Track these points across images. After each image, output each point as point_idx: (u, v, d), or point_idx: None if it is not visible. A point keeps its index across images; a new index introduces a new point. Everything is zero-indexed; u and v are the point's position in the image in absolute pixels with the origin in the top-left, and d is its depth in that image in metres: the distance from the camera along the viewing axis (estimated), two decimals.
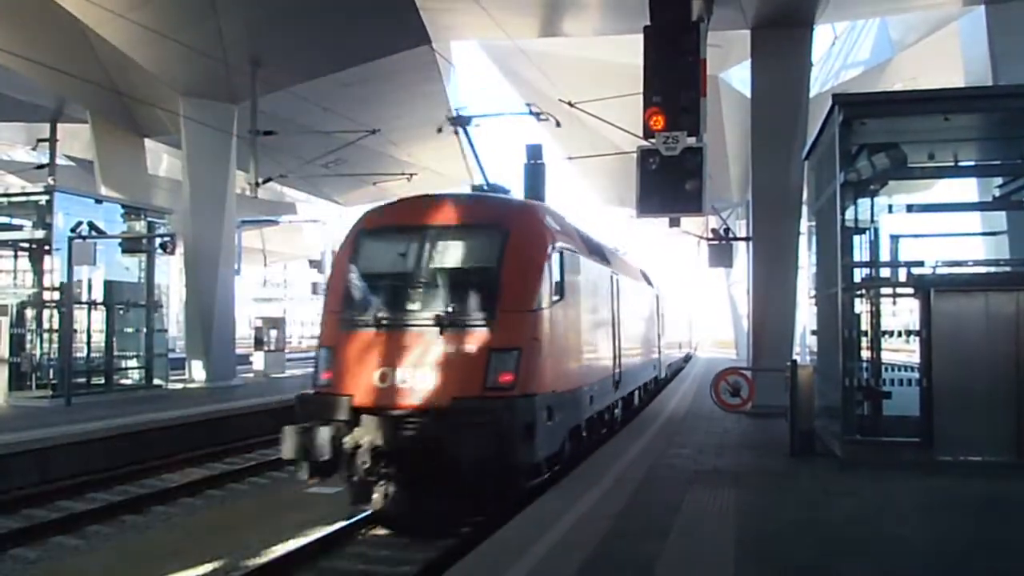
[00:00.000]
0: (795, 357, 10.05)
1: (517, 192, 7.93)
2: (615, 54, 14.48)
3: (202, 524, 6.37)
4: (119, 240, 12.96)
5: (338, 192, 24.14)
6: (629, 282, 10.18)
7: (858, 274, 7.17)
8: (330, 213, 24.90)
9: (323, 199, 25.78)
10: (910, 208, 8.17)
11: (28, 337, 12.03)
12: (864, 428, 6.85)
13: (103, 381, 12.64)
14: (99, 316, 12.68)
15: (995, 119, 7.06)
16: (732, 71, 17.27)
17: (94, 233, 11.91)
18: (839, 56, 18.90)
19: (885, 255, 7.94)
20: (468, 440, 5.04)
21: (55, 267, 11.85)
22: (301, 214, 27.76)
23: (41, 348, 12.01)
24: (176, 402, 11.38)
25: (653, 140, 5.93)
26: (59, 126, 17.37)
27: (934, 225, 8.58)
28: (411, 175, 18.72)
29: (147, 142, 17.69)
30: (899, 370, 7.46)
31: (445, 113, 18.67)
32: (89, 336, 12.47)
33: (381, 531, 5.85)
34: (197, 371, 14.37)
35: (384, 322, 5.58)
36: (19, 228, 12.51)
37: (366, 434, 5.30)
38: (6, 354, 11.52)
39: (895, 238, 8.02)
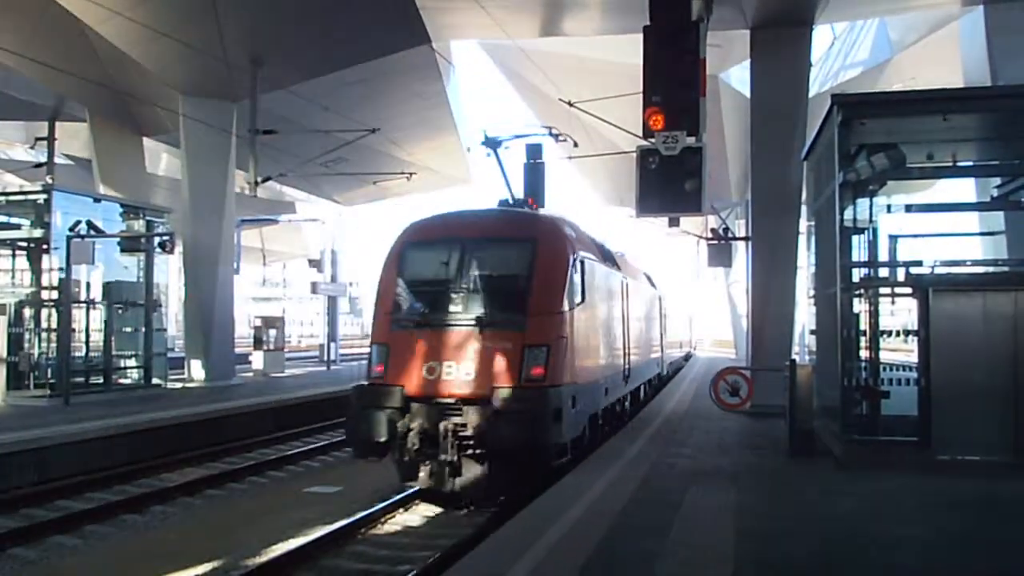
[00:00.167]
0: (794, 357, 10.08)
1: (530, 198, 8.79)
2: (615, 54, 14.49)
3: (201, 524, 6.37)
4: (118, 239, 12.93)
5: (338, 191, 24.11)
6: (636, 285, 11.05)
7: (857, 274, 7.18)
8: (330, 212, 24.87)
9: (323, 198, 25.75)
10: (909, 208, 8.18)
11: (26, 336, 12.01)
12: (863, 428, 6.86)
13: (102, 380, 12.61)
14: (97, 315, 12.66)
15: (994, 119, 7.08)
16: (732, 71, 17.28)
17: (92, 232, 11.88)
18: (838, 56, 18.92)
19: (884, 255, 7.95)
20: (506, 425, 5.91)
21: (53, 266, 11.82)
22: (300, 213, 27.73)
23: (39, 347, 11.98)
24: (175, 401, 11.37)
25: (653, 140, 5.94)
26: (57, 125, 17.33)
27: (932, 225, 8.60)
28: (411, 174, 18.72)
29: (146, 141, 17.66)
30: (898, 369, 7.48)
31: (447, 115, 18.72)
32: (88, 335, 12.45)
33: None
34: (196, 370, 14.35)
35: (430, 323, 6.46)
36: (17, 227, 12.46)
37: (416, 420, 6.15)
38: (4, 353, 11.49)
39: (894, 238, 8.04)
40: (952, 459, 6.14)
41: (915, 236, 8.13)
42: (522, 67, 18.39)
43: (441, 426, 6.04)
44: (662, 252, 33.20)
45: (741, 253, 19.70)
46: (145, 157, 18.09)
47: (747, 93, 12.42)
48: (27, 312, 12.08)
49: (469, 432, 6.00)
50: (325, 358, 21.60)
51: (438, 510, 6.85)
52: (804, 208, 10.73)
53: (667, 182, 5.98)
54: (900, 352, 10.16)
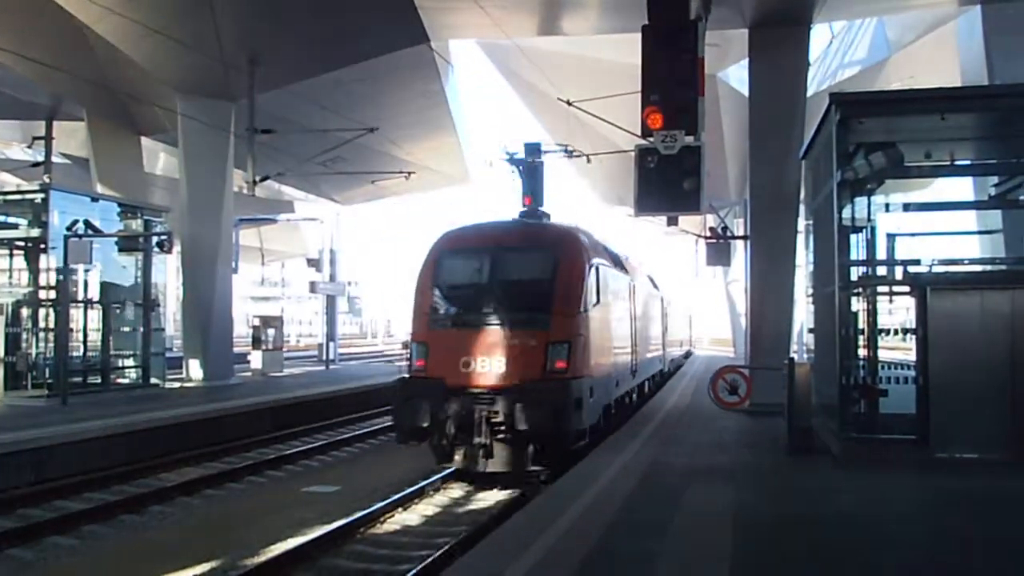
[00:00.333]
0: (792, 355, 10.09)
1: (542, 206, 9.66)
2: (613, 53, 14.48)
3: (200, 523, 6.36)
4: (115, 239, 12.90)
5: (336, 190, 24.10)
6: (641, 287, 11.92)
7: (855, 272, 7.19)
8: (328, 211, 24.84)
9: (321, 197, 25.72)
10: (906, 207, 8.20)
11: (24, 336, 11.97)
12: (861, 426, 6.88)
13: (99, 380, 12.58)
14: (95, 315, 12.62)
15: (991, 118, 7.09)
16: (730, 70, 17.29)
17: (90, 232, 11.85)
18: (836, 55, 18.94)
19: (882, 253, 7.96)
20: (533, 412, 6.70)
21: (51, 266, 11.78)
22: (299, 212, 27.69)
23: (37, 347, 11.95)
24: (173, 401, 11.35)
25: (651, 139, 5.94)
26: (55, 124, 17.27)
27: (930, 224, 8.62)
28: (409, 173, 18.72)
29: (144, 140, 17.61)
30: (896, 368, 7.50)
31: (446, 114, 18.67)
32: (85, 335, 12.41)
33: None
34: (194, 370, 14.32)
35: (465, 322, 7.30)
36: (15, 226, 12.42)
37: (453, 408, 6.92)
38: (2, 353, 11.46)
39: (891, 236, 8.05)
40: (950, 457, 6.15)
41: (913, 235, 8.14)
42: (520, 66, 18.38)
43: (475, 414, 6.84)
44: (661, 251, 33.27)
45: (740, 252, 19.71)
46: (143, 156, 18.05)
47: (745, 92, 12.43)
48: (24, 312, 12.04)
49: (500, 418, 6.80)
50: (324, 358, 21.57)
51: (437, 509, 6.86)
52: (802, 207, 10.75)
53: (666, 181, 5.99)
54: (898, 351, 10.20)
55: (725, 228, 15.11)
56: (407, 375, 7.60)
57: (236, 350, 16.98)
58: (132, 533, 6.13)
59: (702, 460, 6.89)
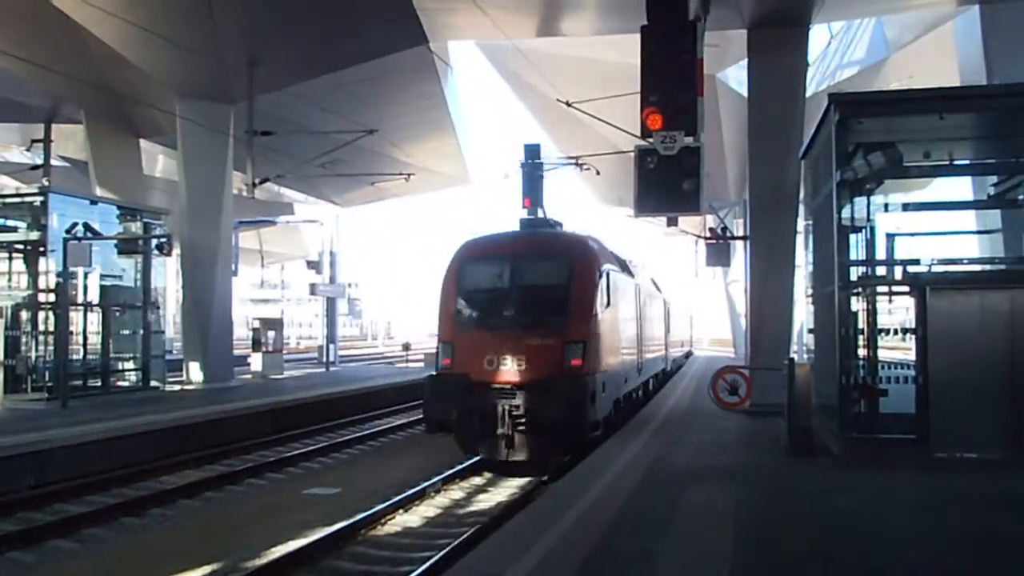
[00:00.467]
0: (792, 355, 10.09)
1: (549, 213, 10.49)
2: (613, 53, 14.50)
3: (200, 526, 6.35)
4: (115, 241, 12.89)
5: (336, 192, 24.08)
6: (646, 290, 12.79)
7: (854, 272, 7.19)
8: (328, 213, 24.84)
9: (321, 199, 25.71)
10: (906, 207, 8.21)
11: (23, 339, 11.95)
12: (861, 425, 6.88)
13: (99, 383, 12.57)
14: (95, 318, 12.61)
15: (990, 118, 7.10)
16: (729, 71, 17.31)
17: (89, 234, 11.84)
18: (835, 56, 18.97)
19: (881, 253, 7.96)
20: (552, 405, 7.37)
21: (50, 269, 11.77)
22: (299, 214, 27.69)
23: (36, 350, 11.94)
24: (173, 404, 11.34)
25: (651, 139, 5.95)
26: (54, 127, 17.26)
27: (930, 223, 8.64)
28: (409, 175, 18.72)
29: (143, 143, 17.61)
30: (895, 368, 7.50)
31: (445, 115, 18.70)
32: (85, 338, 12.39)
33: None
34: (194, 372, 14.31)
35: (488, 324, 8.01)
36: (14, 229, 12.41)
37: (477, 402, 7.60)
38: (1, 357, 11.44)
39: (891, 236, 8.05)
40: (950, 456, 6.16)
41: (912, 235, 8.15)
42: (520, 67, 18.39)
43: (498, 407, 7.48)
44: (660, 251, 33.31)
45: (739, 252, 19.72)
46: (142, 159, 18.05)
47: (745, 93, 12.45)
48: (24, 315, 12.03)
49: (521, 411, 7.46)
50: (324, 360, 21.56)
51: (438, 511, 6.86)
52: (802, 207, 10.76)
53: (665, 182, 6.00)
54: (898, 350, 10.20)
55: (725, 228, 15.13)
56: (435, 372, 8.33)
57: (236, 352, 16.97)
58: (132, 536, 6.13)
59: (703, 460, 6.89)
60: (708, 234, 15.59)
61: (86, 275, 12.20)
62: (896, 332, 8.20)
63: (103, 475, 7.93)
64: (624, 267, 10.53)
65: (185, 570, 5.07)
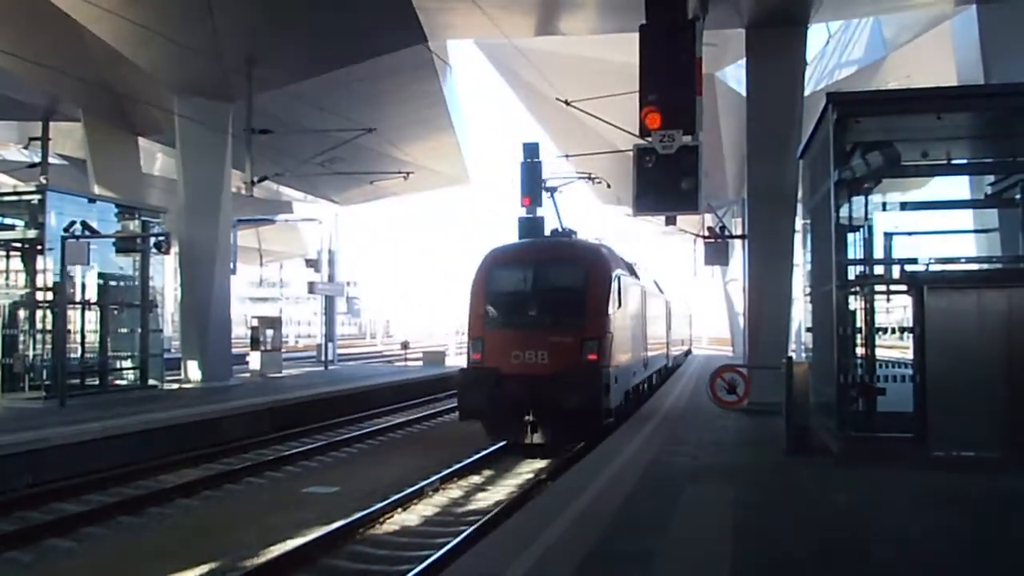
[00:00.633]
0: (790, 354, 10.11)
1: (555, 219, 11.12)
2: (611, 52, 14.50)
3: (199, 525, 6.35)
4: (113, 240, 12.85)
5: (335, 191, 24.06)
6: (650, 291, 13.70)
7: (852, 271, 7.19)
8: (327, 212, 24.80)
9: (320, 198, 25.68)
10: (903, 206, 8.22)
11: (21, 338, 11.92)
12: (859, 424, 6.89)
13: (97, 382, 12.54)
14: (93, 316, 12.58)
15: (987, 117, 7.11)
16: (728, 70, 17.31)
17: (87, 233, 11.81)
18: (833, 55, 18.98)
19: (879, 252, 7.97)
20: (572, 394, 8.28)
21: (48, 267, 11.74)
22: (297, 213, 27.65)
23: (34, 349, 11.90)
24: (171, 403, 11.33)
25: (649, 138, 5.95)
26: (52, 124, 17.20)
27: (927, 223, 8.64)
28: (407, 174, 18.71)
29: (141, 141, 17.57)
30: (893, 366, 7.52)
31: (444, 114, 18.70)
32: (83, 337, 12.36)
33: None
34: (193, 371, 14.29)
35: (514, 323, 8.95)
36: (11, 228, 12.37)
37: (505, 391, 8.50)
38: None
39: (889, 235, 8.06)
40: (947, 455, 6.17)
41: (910, 233, 8.17)
42: (518, 66, 18.38)
43: (524, 396, 8.37)
44: (658, 250, 33.33)
45: (738, 251, 19.74)
46: (140, 157, 18.00)
47: (743, 92, 12.46)
48: (22, 313, 11.99)
49: (544, 400, 8.32)
50: (322, 358, 21.55)
51: (436, 510, 6.87)
52: (800, 206, 10.77)
53: (664, 181, 6.01)
54: (896, 349, 10.22)
55: (723, 227, 15.16)
56: (466, 366, 9.26)
57: (235, 351, 16.94)
58: (130, 535, 6.12)
59: (701, 459, 6.91)
60: (707, 233, 15.61)
61: (84, 273, 12.18)
62: (894, 331, 8.22)
63: (101, 474, 7.92)
64: (631, 270, 11.43)
65: (183, 569, 5.07)
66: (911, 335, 6.68)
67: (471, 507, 6.93)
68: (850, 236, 7.28)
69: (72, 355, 11.99)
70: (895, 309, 8.77)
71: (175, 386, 13.79)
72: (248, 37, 12.64)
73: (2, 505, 6.74)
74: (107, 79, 14.21)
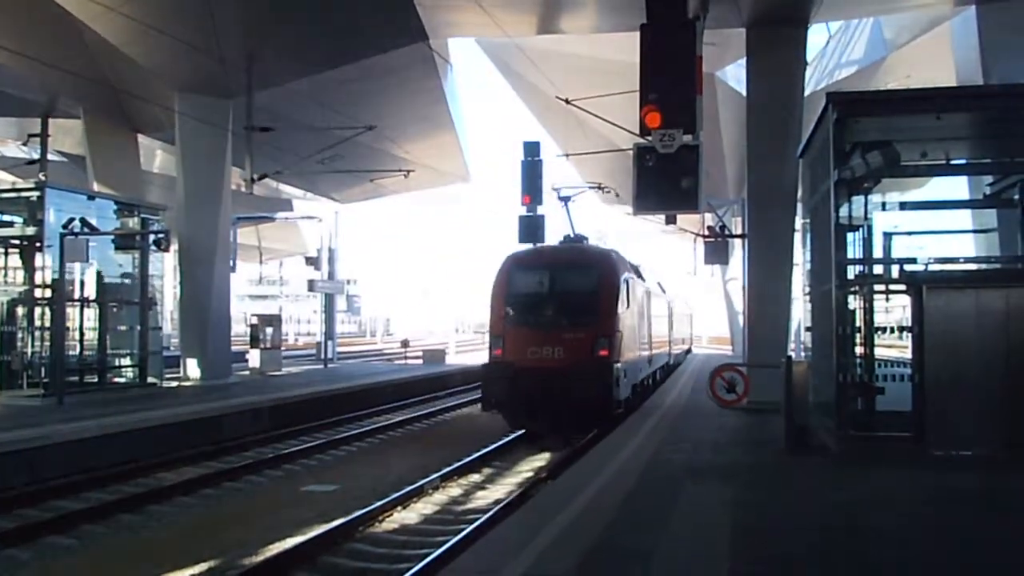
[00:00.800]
0: (790, 353, 10.13)
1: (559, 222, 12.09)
2: (612, 51, 14.49)
3: (198, 523, 6.35)
4: (112, 237, 12.84)
5: (335, 189, 24.04)
6: (654, 292, 14.54)
7: (851, 271, 7.21)
8: (327, 210, 24.78)
9: (320, 196, 25.66)
10: (903, 206, 8.24)
11: (19, 335, 11.91)
12: (858, 423, 6.91)
13: (96, 379, 12.52)
14: (92, 314, 12.56)
15: (986, 118, 7.12)
16: (728, 69, 17.32)
17: (86, 230, 11.79)
18: (833, 55, 19.00)
19: (878, 252, 7.99)
20: (586, 386, 9.02)
21: (47, 264, 11.72)
22: (297, 211, 27.62)
23: (32, 346, 11.89)
24: (170, 400, 11.32)
25: (649, 138, 5.95)
26: (51, 121, 17.16)
27: (926, 222, 8.67)
28: (408, 172, 18.70)
29: (141, 138, 17.54)
30: (892, 365, 7.53)
31: (445, 112, 18.66)
32: (82, 334, 12.33)
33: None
34: (192, 369, 14.28)
35: (532, 321, 9.71)
36: (10, 224, 12.34)
37: (523, 384, 9.17)
38: None
39: (888, 235, 8.08)
40: (946, 454, 6.19)
41: (909, 233, 8.19)
42: (519, 65, 18.38)
43: (541, 388, 9.00)
44: (658, 249, 33.36)
45: (738, 250, 19.75)
46: (140, 154, 17.97)
47: (743, 91, 12.46)
48: (20, 311, 11.98)
49: (559, 392, 8.92)
50: (322, 356, 21.55)
51: (435, 508, 6.88)
52: (800, 205, 10.79)
53: (664, 180, 6.02)
54: (895, 348, 10.25)
55: (723, 227, 15.19)
56: (488, 361, 9.98)
57: (234, 349, 16.93)
58: (130, 533, 6.11)
59: (700, 458, 6.92)
60: (707, 232, 15.63)
61: (83, 270, 12.15)
62: (893, 330, 8.24)
63: (100, 472, 7.92)
64: (638, 273, 12.19)
65: (183, 567, 5.07)
66: (910, 334, 6.70)
67: (471, 505, 6.94)
68: (849, 236, 7.29)
69: (71, 352, 11.96)
70: (894, 309, 8.78)
71: (174, 384, 13.78)
72: (248, 34, 12.63)
73: (1, 503, 6.73)
74: (106, 76, 14.17)
